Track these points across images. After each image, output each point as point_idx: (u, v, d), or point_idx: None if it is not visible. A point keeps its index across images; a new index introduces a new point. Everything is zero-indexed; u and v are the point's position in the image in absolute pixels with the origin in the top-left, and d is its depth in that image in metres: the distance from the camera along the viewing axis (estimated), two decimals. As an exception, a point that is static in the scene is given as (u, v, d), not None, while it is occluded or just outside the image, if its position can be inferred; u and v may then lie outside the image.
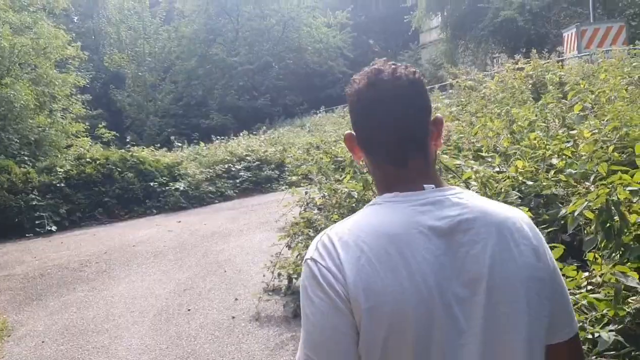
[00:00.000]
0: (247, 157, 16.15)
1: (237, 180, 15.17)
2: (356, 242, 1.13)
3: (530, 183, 3.93)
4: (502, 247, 1.14)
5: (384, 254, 1.10)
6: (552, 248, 3.20)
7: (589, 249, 2.83)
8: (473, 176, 4.03)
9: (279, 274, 6.09)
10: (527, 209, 3.45)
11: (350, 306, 1.09)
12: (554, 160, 4.06)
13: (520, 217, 1.22)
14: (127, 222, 12.40)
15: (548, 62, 9.42)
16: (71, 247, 9.90)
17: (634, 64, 9.20)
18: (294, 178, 8.52)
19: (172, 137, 20.35)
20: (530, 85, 8.88)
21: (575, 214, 2.80)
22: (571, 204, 2.95)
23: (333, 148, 6.32)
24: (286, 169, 15.76)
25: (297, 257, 6.02)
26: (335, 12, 35.70)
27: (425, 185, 1.19)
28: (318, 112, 26.42)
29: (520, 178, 4.04)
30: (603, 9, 21.68)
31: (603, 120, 4.54)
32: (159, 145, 18.18)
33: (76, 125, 17.15)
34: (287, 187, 15.10)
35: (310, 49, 35.25)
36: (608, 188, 2.75)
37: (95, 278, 7.68)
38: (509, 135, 4.86)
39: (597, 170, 4.07)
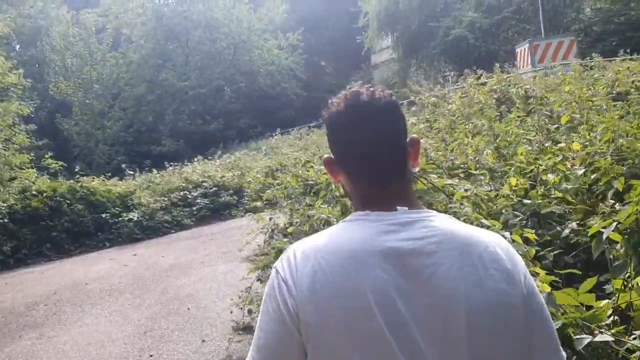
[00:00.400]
0: (204, 183, 15.57)
1: (194, 208, 14.55)
2: (316, 257, 1.14)
3: (527, 202, 3.62)
4: (467, 271, 1.12)
5: (340, 270, 1.11)
6: (580, 280, 2.85)
7: (618, 276, 2.51)
8: (464, 195, 3.70)
9: (250, 311, 5.61)
10: (532, 230, 3.13)
11: (298, 323, 1.11)
12: (550, 176, 3.76)
13: (494, 241, 1.20)
14: (78, 258, 11.62)
15: (511, 76, 9.32)
16: (16, 288, 9.12)
17: (594, 75, 9.22)
18: (258, 204, 8.06)
19: (124, 165, 19.53)
20: (495, 100, 8.73)
21: (604, 236, 2.47)
22: (595, 225, 2.62)
23: (303, 171, 5.91)
24: (245, 194, 15.26)
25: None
26: (287, 34, 35.62)
27: (398, 207, 1.20)
28: (274, 134, 26.02)
29: (514, 197, 3.73)
30: (550, 26, 22.18)
31: (591, 131, 4.30)
32: (109, 174, 17.36)
33: (20, 156, 16.21)
34: (247, 213, 14.63)
35: (262, 72, 34.99)
36: (638, 205, 2.44)
37: (44, 323, 7.00)
38: (492, 151, 4.57)
39: (600, 184, 3.80)
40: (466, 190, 3.60)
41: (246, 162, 19.09)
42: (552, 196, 3.81)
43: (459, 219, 1.32)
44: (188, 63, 34.59)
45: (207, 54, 34.21)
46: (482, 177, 3.82)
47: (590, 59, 10.67)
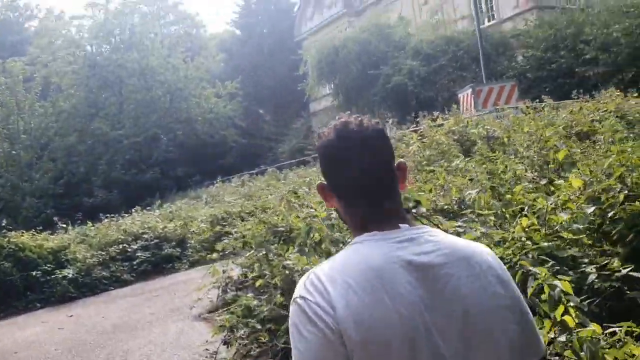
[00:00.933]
0: (144, 235, 14.62)
1: (134, 262, 13.57)
2: (342, 278, 1.20)
3: (545, 244, 3.24)
4: (473, 279, 1.25)
5: (369, 287, 1.18)
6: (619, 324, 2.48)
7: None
8: (474, 237, 3.29)
9: (218, 379, 4.95)
10: (567, 278, 2.74)
11: (341, 338, 1.15)
12: (562, 215, 3.42)
13: (486, 251, 1.34)
14: (5, 322, 10.44)
15: (468, 118, 9.23)
16: None
17: (551, 116, 9.25)
18: (214, 255, 7.41)
19: (55, 218, 18.27)
20: (455, 141, 8.56)
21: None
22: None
23: (273, 217, 5.37)
24: (189, 245, 14.48)
25: (236, 355, 4.91)
26: (225, 83, 35.33)
27: (400, 225, 1.30)
28: (214, 182, 25.27)
29: (526, 240, 3.35)
30: (486, 73, 22.84)
31: (593, 166, 4.03)
32: (40, 228, 16.12)
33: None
34: (192, 266, 13.83)
35: (200, 119, 34.40)
36: None
37: (-33, 402, 6.03)
38: (487, 191, 4.22)
39: (613, 224, 3.48)
40: (481, 233, 3.20)
41: (188, 212, 18.25)
42: (562, 237, 3.46)
43: None
44: (122, 111, 33.59)
45: (142, 102, 33.35)
46: (490, 218, 3.42)
47: (540, 102, 10.79)
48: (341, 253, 1.30)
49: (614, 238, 3.58)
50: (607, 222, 3.64)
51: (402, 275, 1.20)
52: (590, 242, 3.45)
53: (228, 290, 8.22)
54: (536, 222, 3.36)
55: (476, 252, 1.30)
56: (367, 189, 1.31)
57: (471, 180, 4.84)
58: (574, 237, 3.48)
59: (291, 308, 1.23)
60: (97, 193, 29.80)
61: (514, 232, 3.42)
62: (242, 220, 13.05)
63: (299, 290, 1.24)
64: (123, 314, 9.26)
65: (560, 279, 2.54)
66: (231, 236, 7.71)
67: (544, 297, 2.51)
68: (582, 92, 13.67)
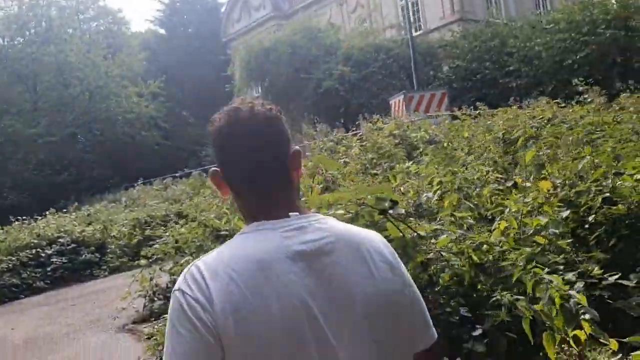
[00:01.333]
0: (60, 239, 13.60)
1: (49, 268, 12.58)
2: (225, 270, 1.17)
3: (528, 249, 3.00)
4: (362, 266, 1.25)
5: (252, 279, 1.16)
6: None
7: None
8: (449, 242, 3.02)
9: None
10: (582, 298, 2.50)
11: (218, 336, 1.13)
12: (542, 219, 3.20)
13: (377, 238, 1.35)
14: None
15: (408, 122, 9.10)
16: None
17: (487, 122, 9.27)
18: (143, 262, 6.81)
19: (-40, 222, 16.81)
20: (396, 144, 8.39)
21: None
22: None
23: (211, 219, 4.89)
24: (109, 250, 13.61)
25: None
26: (148, 82, 34.03)
27: (290, 213, 1.26)
28: (135, 185, 24.15)
29: (505, 245, 3.10)
30: (416, 81, 23.10)
31: (562, 169, 3.86)
32: (-59, 231, 14.72)
33: None
34: (112, 272, 12.97)
35: (120, 120, 32.86)
36: None
37: None
38: (451, 193, 3.97)
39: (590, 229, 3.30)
40: (459, 237, 2.92)
41: (107, 215, 17.24)
42: (537, 242, 3.25)
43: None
44: (37, 108, 31.67)
45: (58, 99, 31.62)
46: (467, 221, 3.15)
47: (476, 109, 10.87)
48: (227, 244, 1.28)
49: (590, 243, 3.41)
50: (583, 227, 3.47)
51: (288, 265, 1.19)
52: (567, 247, 3.25)
53: (155, 299, 7.64)
54: (516, 225, 3.12)
55: (366, 238, 1.30)
56: (257, 177, 1.29)
57: (430, 183, 4.59)
58: (549, 242, 3.28)
59: (171, 300, 1.19)
60: (8, 194, 27.88)
61: (490, 236, 3.17)
62: (166, 225, 12.44)
63: (179, 283, 1.20)
64: (36, 325, 8.43)
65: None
66: (161, 240, 7.14)
67: (547, 307, 2.25)
68: (507, 102, 14.01)
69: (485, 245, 2.90)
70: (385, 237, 3.32)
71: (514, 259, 2.91)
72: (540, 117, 8.91)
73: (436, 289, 2.89)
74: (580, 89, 11.66)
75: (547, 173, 3.88)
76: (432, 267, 2.89)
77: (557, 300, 2.19)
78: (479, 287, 3.03)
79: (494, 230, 3.22)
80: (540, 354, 2.68)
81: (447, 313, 2.88)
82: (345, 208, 2.94)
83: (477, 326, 2.81)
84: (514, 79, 21.71)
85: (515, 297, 2.37)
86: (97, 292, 10.45)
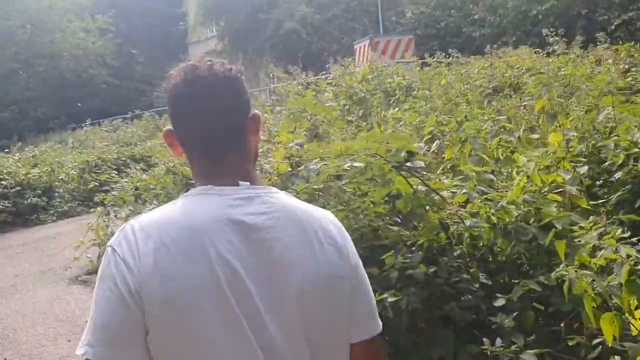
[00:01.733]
0: (2, 182, 12.69)
1: (-10, 212, 11.79)
2: (159, 234, 1.14)
3: (553, 209, 2.67)
4: (304, 245, 1.20)
5: (186, 245, 1.13)
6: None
7: None
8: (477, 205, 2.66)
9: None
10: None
11: (141, 299, 1.09)
12: (564, 175, 2.86)
13: (328, 218, 1.29)
14: None
15: (383, 67, 8.62)
16: None
17: (462, 70, 8.93)
18: (99, 209, 6.23)
19: None
20: (371, 90, 7.94)
21: None
22: None
23: (185, 168, 4.36)
24: (57, 194, 12.84)
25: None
26: (95, 17, 32.09)
27: (241, 182, 1.23)
28: (83, 126, 22.94)
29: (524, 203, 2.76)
30: (374, 28, 22.46)
31: (577, 120, 3.52)
32: None
33: None
34: (61, 218, 12.26)
35: (66, 56, 31.03)
36: None
37: None
38: (451, 145, 3.58)
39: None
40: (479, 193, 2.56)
41: (54, 157, 16.28)
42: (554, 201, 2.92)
43: None
44: (-27, 41, 29.50)
45: (-3, 32, 29.45)
46: (487, 176, 2.78)
47: (448, 56, 10.46)
48: (168, 205, 1.23)
49: (608, 203, 3.10)
50: (602, 186, 3.16)
51: (226, 234, 1.15)
52: (589, 207, 2.94)
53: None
54: (539, 182, 2.78)
55: (315, 218, 1.26)
56: (210, 141, 1.24)
57: (418, 132, 4.19)
58: (567, 202, 2.96)
59: (105, 254, 1.17)
60: (-59, 133, 26.16)
61: (506, 193, 2.82)
62: (119, 170, 11.75)
63: (113, 239, 1.18)
64: (-22, 274, 7.80)
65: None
66: (117, 186, 6.57)
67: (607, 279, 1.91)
68: (471, 51, 13.64)
69: (511, 205, 2.54)
70: (394, 193, 2.95)
71: (576, 228, 2.52)
72: (517, 66, 8.62)
73: (455, 254, 2.53)
74: (551, 39, 11.40)
75: (558, 125, 3.55)
76: (453, 228, 2.52)
77: (624, 275, 1.87)
78: (497, 251, 2.69)
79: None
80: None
81: (466, 280, 2.54)
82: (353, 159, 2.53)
83: (499, 295, 2.48)
84: (477, 28, 21.39)
85: (579, 270, 2.03)
86: (45, 239, 9.81)
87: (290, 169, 3.73)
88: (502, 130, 3.60)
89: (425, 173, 2.67)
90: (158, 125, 19.26)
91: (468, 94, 7.48)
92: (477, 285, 2.50)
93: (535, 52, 9.28)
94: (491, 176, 2.82)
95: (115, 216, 6.82)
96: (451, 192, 2.61)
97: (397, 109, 5.66)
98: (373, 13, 23.12)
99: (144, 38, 36.36)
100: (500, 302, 2.43)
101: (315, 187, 3.09)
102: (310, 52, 22.42)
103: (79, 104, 29.99)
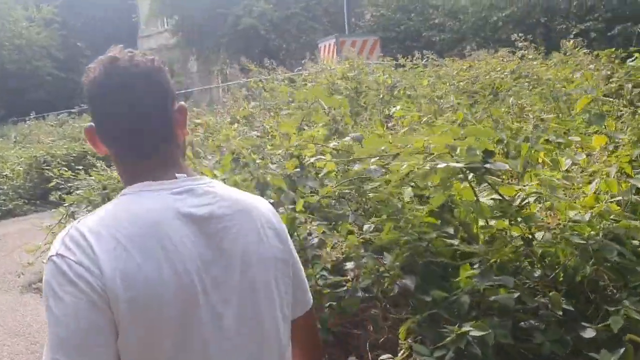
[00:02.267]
0: (-62, 177, 11.73)
1: None
2: (110, 233, 1.10)
3: (635, 223, 2.33)
4: (253, 232, 1.23)
5: (141, 242, 1.10)
6: None
7: None
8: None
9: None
10: None
11: (107, 300, 1.06)
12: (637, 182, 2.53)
13: (265, 205, 1.33)
14: None
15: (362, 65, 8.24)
16: None
17: (440, 72, 8.70)
18: (62, 210, 5.56)
19: None
20: (353, 89, 7.58)
21: None
22: None
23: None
24: (1, 191, 11.90)
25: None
26: (40, 6, 30.57)
27: (177, 175, 1.20)
28: (26, 119, 21.67)
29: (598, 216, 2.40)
30: (333, 29, 22.13)
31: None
32: None
33: None
34: (6, 217, 11.33)
35: (7, 45, 29.38)
36: None
37: None
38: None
39: None
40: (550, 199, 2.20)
41: (-2, 152, 15.22)
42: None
43: None
44: None
45: None
46: (554, 180, 2.40)
47: (423, 58, 10.19)
48: (109, 205, 1.20)
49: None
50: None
51: (180, 229, 1.13)
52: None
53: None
54: (615, 189, 2.43)
55: (255, 205, 1.28)
56: (137, 135, 1.19)
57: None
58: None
59: (46, 267, 1.11)
60: None
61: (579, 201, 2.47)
62: (69, 166, 10.96)
63: (56, 247, 1.11)
64: None
65: None
66: (82, 184, 5.93)
67: None
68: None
69: (595, 219, 2.18)
70: (449, 200, 2.55)
71: None
72: (499, 69, 8.43)
73: (536, 275, 2.15)
74: (520, 44, 11.34)
75: (604, 126, 3.25)
76: (535, 244, 2.14)
77: None
78: (570, 270, 2.33)
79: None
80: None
81: (544, 306, 2.16)
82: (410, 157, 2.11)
83: (585, 324, 2.10)
84: (437, 32, 21.39)
85: None
86: (-9, 241, 8.99)
87: (298, 169, 3.31)
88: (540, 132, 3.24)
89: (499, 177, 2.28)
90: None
91: (453, 95, 7.25)
92: (560, 313, 2.12)
93: (511, 53, 9.14)
94: (567, 182, 2.45)
95: (74, 218, 6.19)
96: (526, 200, 2.23)
97: (394, 108, 5.29)
98: (333, 13, 22.83)
99: (92, 30, 34.88)
100: (589, 333, 2.06)
101: (346, 189, 2.67)
102: (268, 50, 21.86)
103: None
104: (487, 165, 1.97)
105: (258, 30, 20.93)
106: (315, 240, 2.82)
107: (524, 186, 2.30)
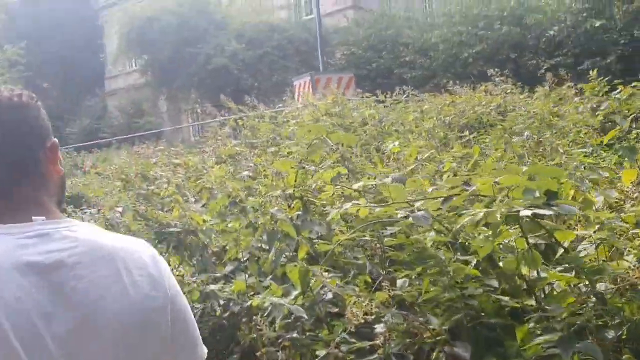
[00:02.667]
0: None
1: None
2: None
3: None
4: (112, 280, 1.10)
5: None
6: None
7: None
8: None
9: None
10: None
11: None
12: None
13: (140, 249, 1.19)
14: None
15: (346, 101, 8.05)
16: None
17: (424, 107, 8.55)
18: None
19: None
20: (339, 125, 7.34)
21: None
22: None
23: (159, 213, 3.40)
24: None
25: None
26: (4, 47, 29.97)
27: (34, 217, 1.10)
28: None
29: None
30: (304, 67, 22.07)
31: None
32: None
33: None
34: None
35: (-32, 87, 28.61)
36: None
37: None
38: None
39: None
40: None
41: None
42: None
43: None
44: None
45: None
46: (613, 224, 2.10)
47: (404, 93, 10.06)
48: None
49: None
50: None
51: (15, 279, 1.01)
52: None
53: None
54: None
55: (125, 249, 1.14)
56: None
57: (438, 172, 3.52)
58: None
59: None
60: None
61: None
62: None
63: None
64: None
65: None
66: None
67: None
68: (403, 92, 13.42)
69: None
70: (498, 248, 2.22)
71: None
72: (484, 103, 8.31)
73: (609, 335, 1.82)
74: (497, 79, 11.33)
75: (636, 161, 2.99)
76: (610, 296, 1.81)
77: None
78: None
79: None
80: None
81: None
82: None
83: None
84: (408, 69, 21.52)
85: None
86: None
87: (300, 212, 2.96)
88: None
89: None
90: (77, 162, 17.78)
91: (439, 130, 7.10)
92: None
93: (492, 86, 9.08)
94: (619, 223, 2.15)
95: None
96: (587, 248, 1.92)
97: (389, 143, 5.03)
98: (304, 52, 22.85)
99: (57, 72, 34.35)
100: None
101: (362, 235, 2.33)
102: (240, 89, 21.67)
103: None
104: (555, 209, 1.66)
105: (230, 70, 20.74)
106: (330, 295, 2.47)
107: (584, 232, 1.99)
